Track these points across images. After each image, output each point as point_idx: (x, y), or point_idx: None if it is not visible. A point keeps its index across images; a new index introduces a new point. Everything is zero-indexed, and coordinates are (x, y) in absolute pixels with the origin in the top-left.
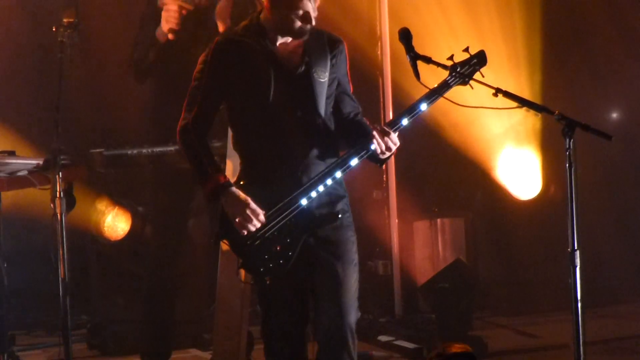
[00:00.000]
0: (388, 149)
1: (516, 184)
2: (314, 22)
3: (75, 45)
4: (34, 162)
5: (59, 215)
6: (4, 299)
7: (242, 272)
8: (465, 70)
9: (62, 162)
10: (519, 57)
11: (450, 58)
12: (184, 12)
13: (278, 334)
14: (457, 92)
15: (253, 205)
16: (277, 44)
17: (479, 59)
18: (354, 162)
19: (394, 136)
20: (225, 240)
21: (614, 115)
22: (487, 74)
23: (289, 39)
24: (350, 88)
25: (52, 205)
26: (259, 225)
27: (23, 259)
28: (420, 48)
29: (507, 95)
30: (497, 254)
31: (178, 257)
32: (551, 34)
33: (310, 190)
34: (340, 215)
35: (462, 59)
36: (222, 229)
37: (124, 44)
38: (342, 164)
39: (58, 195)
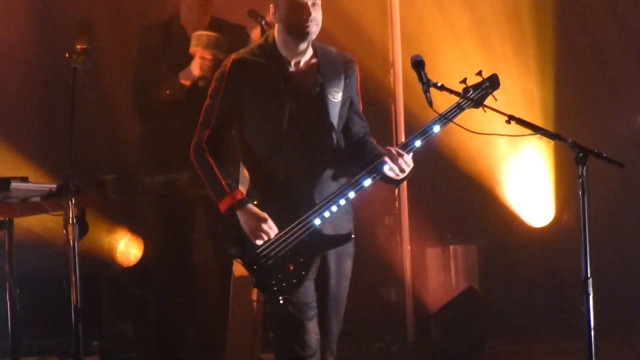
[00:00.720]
0: (402, 170)
1: (529, 211)
2: (316, 16)
3: (88, 72)
4: (47, 188)
5: (71, 241)
6: (16, 324)
7: (255, 291)
8: (478, 93)
9: (75, 188)
10: (531, 81)
11: (463, 81)
12: (216, 61)
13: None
14: (471, 118)
15: (270, 222)
16: (292, 63)
17: (492, 83)
18: (367, 182)
19: (408, 158)
20: (238, 259)
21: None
22: (499, 99)
23: (303, 59)
24: (360, 107)
25: (64, 231)
26: (274, 244)
27: (36, 285)
28: (432, 72)
29: (520, 122)
30: (510, 282)
31: (188, 283)
32: (564, 58)
33: (324, 210)
34: (353, 236)
35: (475, 83)
36: (236, 247)
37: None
38: (355, 184)
39: (71, 222)
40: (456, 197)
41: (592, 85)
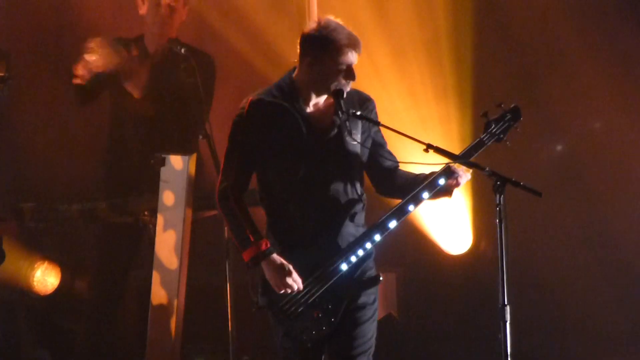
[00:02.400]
0: (458, 184)
1: (447, 238)
2: (355, 79)
3: (4, 99)
4: None
5: None
6: None
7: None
8: (500, 127)
9: None
10: (450, 109)
11: (484, 115)
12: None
13: None
14: (388, 146)
15: (295, 274)
16: (311, 104)
17: (513, 114)
18: (393, 224)
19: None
20: (266, 309)
21: (549, 165)
22: (417, 128)
23: (322, 98)
24: (386, 143)
25: None
26: (300, 293)
27: None
28: None
29: (438, 150)
30: (428, 309)
31: (118, 312)
32: (483, 85)
33: (350, 255)
34: (381, 279)
35: (496, 116)
36: (263, 297)
37: (54, 100)
38: (381, 226)
39: None
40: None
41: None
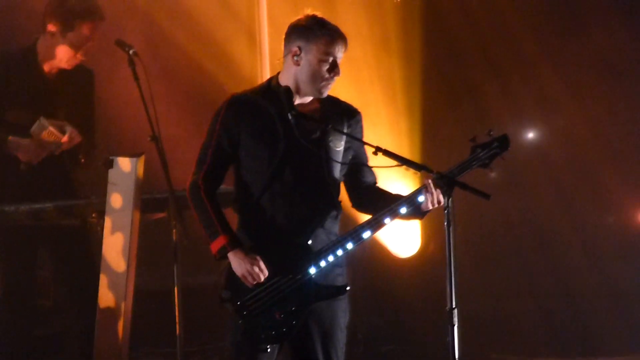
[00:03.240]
0: (439, 201)
1: (395, 241)
2: (339, 74)
3: None
4: None
5: None
6: None
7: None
8: (486, 153)
9: None
10: (399, 114)
11: (473, 140)
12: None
13: None
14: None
15: (262, 264)
16: (295, 104)
17: (501, 143)
18: (367, 234)
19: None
20: (229, 303)
21: (493, 173)
22: (366, 132)
23: (307, 100)
24: (367, 159)
25: None
26: (265, 291)
27: None
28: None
29: (387, 153)
30: (377, 312)
31: (51, 316)
32: (431, 93)
33: (320, 260)
34: (348, 288)
35: (484, 142)
36: (227, 291)
37: None
38: (355, 235)
39: None
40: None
41: (459, 117)
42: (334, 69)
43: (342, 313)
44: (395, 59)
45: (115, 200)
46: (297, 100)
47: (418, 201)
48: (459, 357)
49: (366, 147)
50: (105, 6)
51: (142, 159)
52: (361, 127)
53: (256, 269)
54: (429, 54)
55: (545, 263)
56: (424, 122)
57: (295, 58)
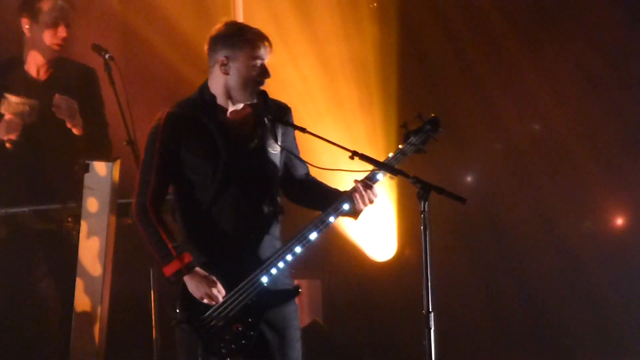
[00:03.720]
0: (370, 201)
1: (372, 245)
2: (269, 76)
3: None
4: None
5: None
6: None
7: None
8: (419, 138)
9: None
10: (375, 121)
11: (404, 126)
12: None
13: None
14: (314, 153)
15: (219, 285)
16: (228, 113)
17: (433, 125)
18: (313, 236)
19: (375, 189)
20: (185, 324)
21: (469, 178)
22: (343, 136)
23: (240, 107)
24: (298, 151)
25: None
26: (222, 307)
27: None
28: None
29: (363, 158)
30: (354, 316)
31: (27, 321)
32: (408, 98)
33: (271, 267)
34: (300, 290)
35: (416, 127)
36: (183, 312)
37: None
38: (302, 239)
39: None
40: (295, 223)
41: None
42: (263, 72)
43: (293, 314)
44: (371, 62)
45: (91, 204)
46: (231, 108)
47: (353, 201)
48: None
49: (311, 139)
50: (81, 11)
51: (118, 163)
52: (292, 122)
53: (214, 291)
54: (405, 58)
55: (520, 268)
56: (399, 130)
57: (223, 67)
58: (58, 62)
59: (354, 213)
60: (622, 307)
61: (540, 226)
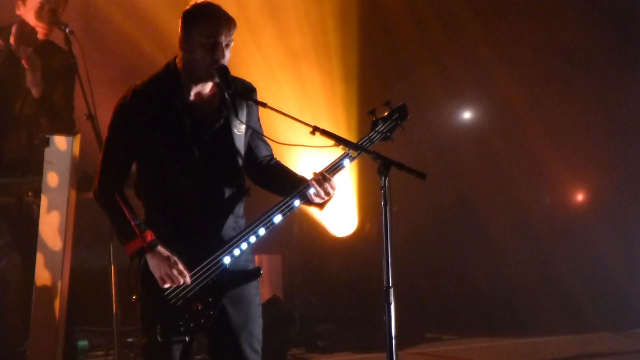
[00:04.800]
0: (327, 193)
1: (332, 221)
2: (226, 57)
3: None
4: None
5: None
6: None
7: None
8: (387, 125)
9: None
10: (336, 102)
11: (372, 112)
12: None
13: None
14: (277, 129)
15: (181, 266)
16: (192, 93)
17: (401, 113)
18: (278, 219)
19: (333, 182)
20: (144, 301)
21: (430, 151)
22: (305, 112)
23: (205, 87)
24: (262, 132)
25: None
26: (182, 284)
27: None
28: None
29: (325, 133)
30: (313, 291)
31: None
32: (368, 79)
33: (234, 248)
34: (261, 272)
35: (384, 115)
36: (143, 288)
37: None
38: (266, 221)
39: None
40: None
41: (395, 101)
42: (216, 52)
43: (255, 290)
44: (333, 47)
45: (52, 178)
46: (196, 87)
47: (309, 193)
48: (395, 335)
49: (272, 116)
50: None
51: (78, 137)
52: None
53: (175, 272)
54: (367, 40)
55: (480, 243)
56: (361, 109)
57: (183, 46)
58: (43, 44)
59: (319, 204)
60: (581, 281)
61: (501, 201)
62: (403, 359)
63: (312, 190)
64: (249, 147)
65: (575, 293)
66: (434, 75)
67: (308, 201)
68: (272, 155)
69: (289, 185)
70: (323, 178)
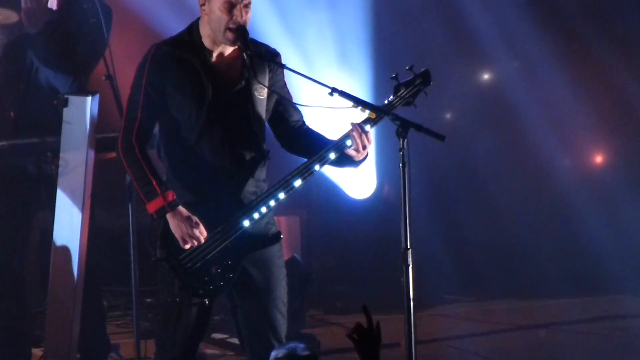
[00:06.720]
0: (364, 147)
1: (350, 183)
2: (246, 17)
3: None
4: None
5: None
6: None
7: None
8: (410, 91)
9: None
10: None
11: (395, 77)
12: None
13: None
14: (293, 91)
15: (202, 227)
16: (214, 55)
17: (424, 79)
18: (298, 183)
19: (370, 135)
20: (163, 262)
21: (447, 116)
22: (321, 74)
23: (227, 49)
24: (291, 97)
25: None
26: (202, 246)
27: None
28: None
29: (343, 94)
30: (331, 252)
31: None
32: (380, 37)
33: (253, 212)
34: (282, 236)
35: (407, 80)
36: (162, 249)
37: None
38: (286, 185)
39: None
40: (280, 169)
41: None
42: (232, 12)
43: (277, 253)
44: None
45: (70, 139)
46: (217, 49)
47: (346, 145)
48: (413, 297)
49: (290, 77)
50: None
51: (96, 97)
52: (282, 70)
53: (196, 232)
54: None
55: (499, 206)
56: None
57: (203, 8)
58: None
59: (354, 161)
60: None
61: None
62: (421, 321)
63: (349, 142)
64: (279, 113)
65: (601, 255)
66: (451, 37)
67: (342, 158)
68: (303, 120)
69: (322, 149)
70: (361, 128)
